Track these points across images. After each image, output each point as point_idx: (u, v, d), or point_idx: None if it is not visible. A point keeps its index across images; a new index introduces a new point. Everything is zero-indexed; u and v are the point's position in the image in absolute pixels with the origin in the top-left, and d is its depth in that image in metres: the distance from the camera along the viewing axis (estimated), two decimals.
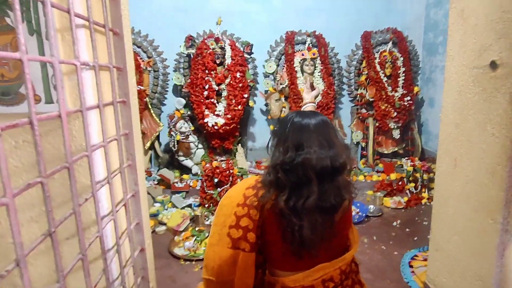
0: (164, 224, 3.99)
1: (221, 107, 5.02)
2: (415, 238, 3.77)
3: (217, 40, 5.00)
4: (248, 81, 5.09)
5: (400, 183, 4.95)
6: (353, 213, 4.18)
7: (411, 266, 3.11)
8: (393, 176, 5.03)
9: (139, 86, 4.81)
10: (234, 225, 1.54)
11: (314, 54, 5.27)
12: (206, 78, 4.95)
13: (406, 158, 5.34)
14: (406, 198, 4.75)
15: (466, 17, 1.85)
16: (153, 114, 5.13)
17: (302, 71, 5.29)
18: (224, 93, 5.05)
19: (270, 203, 1.51)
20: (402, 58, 5.41)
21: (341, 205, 1.56)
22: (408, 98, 5.32)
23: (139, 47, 5.15)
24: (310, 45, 5.29)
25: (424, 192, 4.87)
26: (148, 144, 5.05)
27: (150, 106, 5.13)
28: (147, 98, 5.05)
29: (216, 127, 4.92)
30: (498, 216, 1.59)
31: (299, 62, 5.28)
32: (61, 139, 1.01)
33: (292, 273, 1.61)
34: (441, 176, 2.11)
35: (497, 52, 1.64)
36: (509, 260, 1.59)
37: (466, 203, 1.86)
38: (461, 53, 1.89)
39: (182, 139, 4.99)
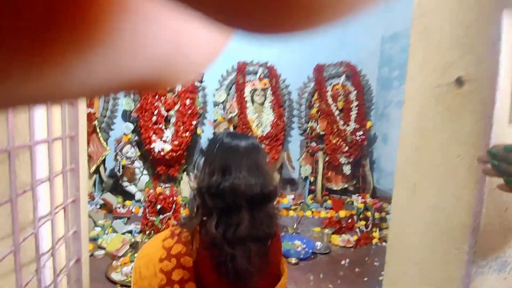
0: (104, 248, 4.07)
1: (168, 133, 5.26)
2: (365, 279, 3.70)
3: None
4: (198, 108, 5.29)
5: (349, 220, 5.05)
6: (299, 249, 4.29)
7: None
8: (342, 213, 5.16)
9: (89, 109, 4.99)
10: (166, 284, 1.38)
11: (265, 85, 5.51)
12: (156, 104, 5.20)
13: (357, 194, 5.39)
14: (355, 237, 4.74)
15: (429, 34, 1.81)
16: (101, 138, 5.30)
17: (253, 101, 5.51)
18: (173, 120, 5.30)
19: (197, 240, 1.46)
20: (355, 92, 5.62)
21: (274, 233, 1.54)
22: (361, 133, 5.50)
23: None
24: (262, 75, 5.55)
25: (375, 231, 4.82)
26: (93, 168, 5.21)
27: (98, 130, 5.30)
28: (95, 121, 5.21)
29: (162, 153, 5.11)
30: (463, 245, 1.49)
31: (250, 92, 5.51)
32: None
33: None
34: (397, 204, 2.00)
35: (463, 68, 1.59)
36: None
37: (426, 232, 1.75)
38: (423, 72, 1.82)
39: (128, 164, 5.17)
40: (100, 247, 4.10)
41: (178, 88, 5.23)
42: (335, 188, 5.62)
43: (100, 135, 5.24)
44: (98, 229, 4.49)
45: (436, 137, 1.74)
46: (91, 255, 3.79)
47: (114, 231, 4.51)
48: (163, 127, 5.19)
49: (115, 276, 3.49)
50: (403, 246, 1.94)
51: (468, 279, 1.49)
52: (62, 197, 1.41)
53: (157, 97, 5.14)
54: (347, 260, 4.11)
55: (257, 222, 1.44)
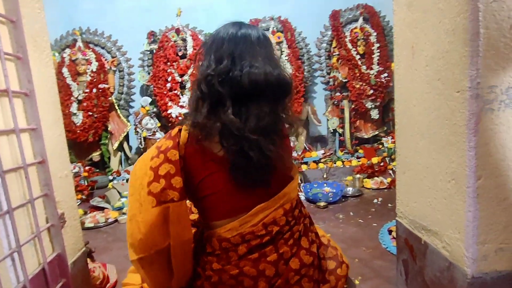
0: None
1: (185, 98, 5.17)
2: None
3: (177, 31, 5.20)
4: None
5: (382, 164, 4.61)
6: (328, 193, 4.11)
7: (390, 233, 2.93)
8: (374, 160, 4.92)
9: (103, 84, 5.03)
10: (153, 179, 1.36)
11: (279, 38, 5.33)
12: (169, 70, 5.12)
13: (387, 135, 5.19)
14: (389, 179, 4.55)
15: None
16: (120, 115, 5.28)
17: None
18: (188, 85, 5.18)
19: (185, 136, 1.40)
20: (375, 34, 5.35)
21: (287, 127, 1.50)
22: (385, 75, 5.22)
23: (103, 48, 5.38)
24: (275, 29, 5.38)
25: None
26: (116, 145, 5.19)
27: (117, 107, 5.28)
28: (112, 97, 5.21)
29: (180, 118, 5.00)
30: (464, 79, 1.29)
31: None
32: None
33: (228, 221, 1.45)
34: (400, 64, 1.77)
35: None
36: (485, 134, 1.30)
37: (427, 90, 1.53)
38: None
39: (149, 135, 5.12)
40: (125, 213, 4.03)
41: (189, 51, 5.12)
42: (365, 137, 5.38)
43: (119, 111, 5.21)
44: (124, 199, 4.45)
45: None
46: (116, 221, 3.83)
47: None
48: (179, 93, 5.10)
49: None
50: (410, 120, 1.73)
51: (476, 119, 1.24)
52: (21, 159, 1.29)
53: (169, 63, 5.04)
54: (380, 199, 3.95)
55: (276, 114, 1.38)
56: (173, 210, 1.34)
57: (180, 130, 1.39)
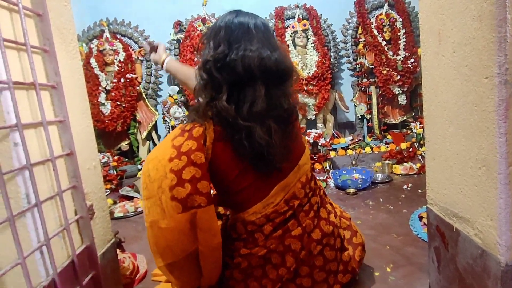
0: None
1: None
2: None
3: (203, 20, 5.18)
4: None
5: (411, 149, 4.60)
6: (357, 179, 4.11)
7: (421, 219, 2.88)
8: (403, 145, 4.86)
9: (131, 74, 5.08)
10: (176, 184, 1.33)
11: (305, 25, 5.29)
12: (196, 59, 5.00)
13: (415, 120, 5.13)
14: (419, 164, 4.50)
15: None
16: (148, 104, 5.32)
17: (295, 44, 5.27)
18: None
19: (211, 132, 1.39)
20: (401, 20, 5.29)
21: (292, 111, 1.49)
22: (412, 60, 5.17)
23: (130, 38, 5.41)
24: (301, 16, 5.32)
25: None
26: (144, 134, 5.23)
27: (145, 97, 5.34)
28: (140, 87, 5.25)
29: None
30: (492, 65, 1.25)
31: (291, 36, 5.28)
32: None
33: (252, 205, 1.49)
34: (427, 51, 1.76)
35: None
36: None
37: (454, 76, 1.51)
38: None
39: (177, 124, 4.98)
40: None
41: None
42: (394, 123, 5.34)
43: (147, 101, 5.25)
44: None
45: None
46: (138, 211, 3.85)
47: None
48: None
49: None
50: (439, 109, 1.69)
51: (505, 104, 1.23)
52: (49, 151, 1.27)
53: (195, 52, 5.04)
54: (410, 185, 3.92)
55: (274, 99, 1.37)
56: (201, 215, 1.34)
57: (204, 130, 1.37)
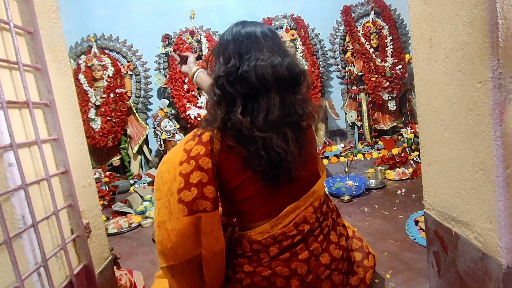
0: (151, 218, 4.01)
1: (203, 99, 5.19)
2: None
3: (192, 33, 5.23)
4: None
5: (403, 154, 4.67)
6: (351, 186, 4.13)
7: (417, 223, 2.89)
8: (395, 151, 4.90)
9: (120, 89, 5.06)
10: (184, 187, 1.33)
11: (293, 35, 5.34)
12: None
13: (405, 126, 5.19)
14: (411, 169, 4.54)
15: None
16: (139, 118, 5.33)
17: None
18: None
19: (217, 142, 1.38)
20: (387, 27, 5.37)
21: (307, 116, 1.45)
22: (400, 66, 5.24)
23: (118, 52, 5.43)
24: (288, 26, 5.37)
25: None
26: (136, 148, 5.22)
27: (135, 111, 5.34)
28: (130, 101, 5.26)
29: (199, 119, 5.02)
30: (485, 69, 1.26)
31: None
32: None
33: (260, 223, 1.46)
34: (419, 57, 1.76)
35: None
36: (511, 123, 1.26)
37: (448, 81, 1.51)
38: None
39: (169, 137, 5.12)
40: (148, 217, 4.02)
41: (205, 52, 5.15)
42: (384, 129, 5.37)
43: (137, 115, 5.24)
44: (146, 203, 4.43)
45: None
46: (139, 225, 3.80)
47: None
48: (197, 94, 5.11)
49: None
50: (432, 115, 1.70)
51: (500, 108, 1.24)
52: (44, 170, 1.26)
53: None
54: (403, 190, 3.92)
55: (289, 106, 1.35)
56: (205, 220, 1.33)
57: (212, 137, 1.36)
